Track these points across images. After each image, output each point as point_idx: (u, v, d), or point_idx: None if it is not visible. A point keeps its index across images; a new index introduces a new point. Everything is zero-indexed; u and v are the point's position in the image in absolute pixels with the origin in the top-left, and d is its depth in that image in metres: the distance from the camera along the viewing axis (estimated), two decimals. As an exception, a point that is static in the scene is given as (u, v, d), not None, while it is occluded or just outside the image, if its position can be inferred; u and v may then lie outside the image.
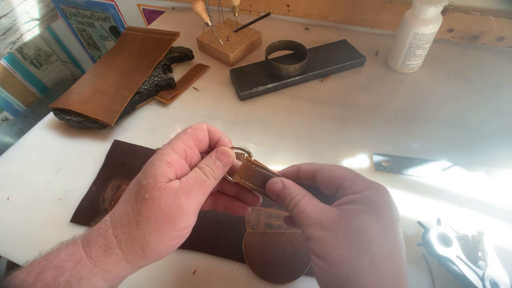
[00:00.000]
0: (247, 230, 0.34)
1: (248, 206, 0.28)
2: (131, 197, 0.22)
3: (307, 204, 0.22)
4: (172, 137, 0.46)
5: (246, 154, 0.26)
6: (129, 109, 0.48)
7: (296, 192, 0.23)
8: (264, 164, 0.26)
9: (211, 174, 0.24)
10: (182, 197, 0.22)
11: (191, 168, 0.24)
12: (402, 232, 0.21)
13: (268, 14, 0.59)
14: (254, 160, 0.26)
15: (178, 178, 0.23)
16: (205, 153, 0.26)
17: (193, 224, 0.23)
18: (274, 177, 0.25)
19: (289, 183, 0.24)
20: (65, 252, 0.21)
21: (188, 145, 0.24)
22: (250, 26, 0.60)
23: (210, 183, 0.24)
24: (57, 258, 0.20)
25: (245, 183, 0.25)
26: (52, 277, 0.19)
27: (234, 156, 0.25)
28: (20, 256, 0.34)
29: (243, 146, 0.27)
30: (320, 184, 0.24)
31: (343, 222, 0.20)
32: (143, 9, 0.84)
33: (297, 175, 0.26)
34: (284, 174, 0.27)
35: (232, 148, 0.26)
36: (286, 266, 0.31)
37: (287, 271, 0.31)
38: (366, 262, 0.19)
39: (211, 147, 0.26)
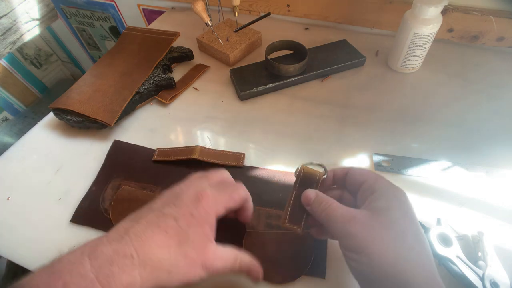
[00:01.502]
0: (247, 230, 0.34)
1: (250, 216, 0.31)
2: (170, 244, 0.22)
3: (339, 206, 0.25)
4: (171, 137, 0.46)
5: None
6: (129, 109, 0.48)
7: (327, 198, 0.27)
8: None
9: (236, 268, 0.26)
10: (207, 272, 0.24)
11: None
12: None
13: (268, 14, 0.59)
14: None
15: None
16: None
17: None
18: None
19: (322, 193, 0.28)
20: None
21: (226, 209, 0.27)
22: (250, 26, 0.60)
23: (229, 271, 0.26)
24: None
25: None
26: None
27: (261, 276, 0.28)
28: (20, 256, 0.34)
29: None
30: (348, 180, 0.28)
31: (377, 217, 0.23)
32: (143, 9, 0.84)
33: (332, 174, 0.30)
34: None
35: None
36: (286, 266, 0.31)
37: (288, 271, 0.31)
38: (406, 249, 0.22)
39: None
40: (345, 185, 0.29)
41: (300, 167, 0.31)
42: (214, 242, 0.25)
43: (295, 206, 0.29)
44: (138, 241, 0.22)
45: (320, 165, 0.31)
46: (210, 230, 0.24)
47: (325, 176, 0.30)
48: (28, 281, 0.20)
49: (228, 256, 0.25)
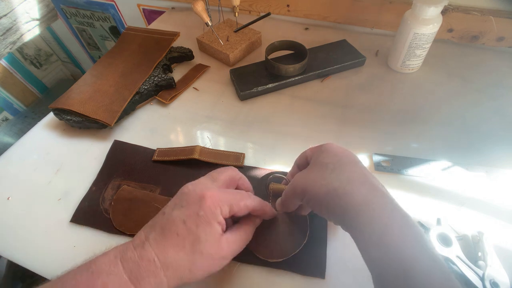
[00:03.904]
0: None
1: None
2: (185, 245, 0.25)
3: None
4: (171, 137, 0.46)
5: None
6: (129, 109, 0.48)
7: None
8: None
9: (249, 238, 0.29)
10: (227, 260, 0.27)
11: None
12: (353, 154, 0.29)
13: (268, 14, 0.59)
14: None
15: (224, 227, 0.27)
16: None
17: None
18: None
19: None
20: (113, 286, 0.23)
21: (230, 210, 0.28)
22: (250, 26, 0.60)
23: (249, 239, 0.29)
24: None
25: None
26: None
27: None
28: (20, 256, 0.34)
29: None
30: (299, 165, 0.33)
31: (308, 167, 0.30)
32: (143, 9, 0.84)
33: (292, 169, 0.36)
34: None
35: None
36: (283, 244, 0.32)
37: (284, 247, 0.32)
38: (328, 171, 0.27)
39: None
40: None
41: (270, 186, 0.36)
42: (224, 234, 0.27)
43: None
44: (157, 246, 0.25)
45: (284, 177, 0.36)
46: (218, 225, 0.26)
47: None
48: (68, 279, 0.23)
49: (240, 238, 0.28)
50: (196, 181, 0.29)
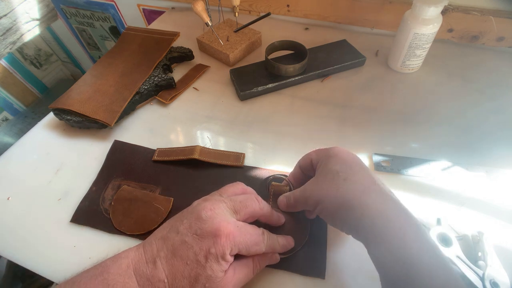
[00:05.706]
0: None
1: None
2: (191, 275, 0.25)
3: (298, 188, 0.32)
4: (171, 137, 0.46)
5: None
6: (129, 109, 0.48)
7: (291, 191, 0.33)
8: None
9: (256, 272, 0.30)
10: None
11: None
12: (360, 159, 0.30)
13: (268, 14, 0.59)
14: None
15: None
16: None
17: None
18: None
19: (287, 193, 0.34)
20: None
21: (246, 251, 0.28)
22: (250, 26, 0.60)
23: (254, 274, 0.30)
24: None
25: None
26: None
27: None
28: (20, 256, 0.34)
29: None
30: (302, 167, 0.34)
31: (317, 175, 0.30)
32: (143, 9, 0.84)
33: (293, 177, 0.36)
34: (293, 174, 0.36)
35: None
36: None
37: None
38: (340, 181, 0.27)
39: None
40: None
41: (271, 185, 0.36)
42: (228, 270, 0.27)
43: None
44: (167, 267, 0.26)
45: (284, 178, 0.36)
46: (225, 263, 0.26)
47: (289, 187, 0.35)
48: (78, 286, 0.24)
49: (243, 276, 0.28)
50: (217, 204, 0.28)
